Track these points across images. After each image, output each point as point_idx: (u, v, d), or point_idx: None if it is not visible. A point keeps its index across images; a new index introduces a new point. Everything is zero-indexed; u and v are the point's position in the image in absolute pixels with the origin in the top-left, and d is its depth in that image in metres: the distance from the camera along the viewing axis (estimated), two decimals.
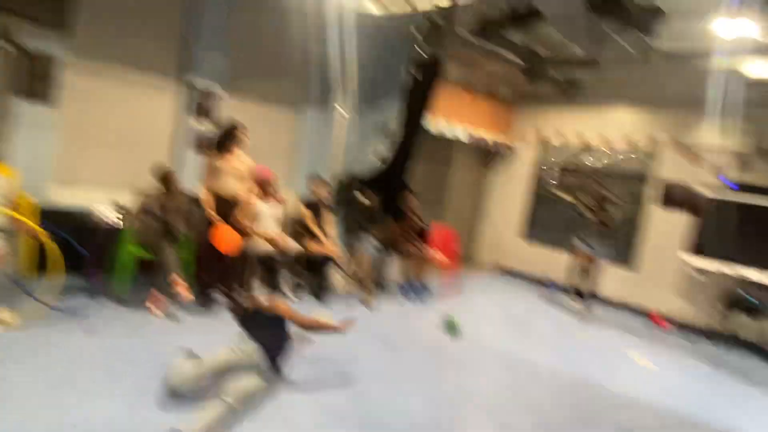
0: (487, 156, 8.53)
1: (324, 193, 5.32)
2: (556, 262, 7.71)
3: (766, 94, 5.76)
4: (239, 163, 4.38)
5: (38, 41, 4.10)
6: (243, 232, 4.41)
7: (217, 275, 4.38)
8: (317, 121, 6.19)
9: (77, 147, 4.61)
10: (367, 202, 5.61)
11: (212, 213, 4.21)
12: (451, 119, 7.14)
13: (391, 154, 6.01)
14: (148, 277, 4.67)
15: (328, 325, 3.33)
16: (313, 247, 4.99)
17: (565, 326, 5.66)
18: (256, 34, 5.49)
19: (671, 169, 6.73)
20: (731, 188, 5.97)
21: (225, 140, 4.32)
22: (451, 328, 4.63)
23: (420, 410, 3.10)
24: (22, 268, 4.00)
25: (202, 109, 5.06)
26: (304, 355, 3.53)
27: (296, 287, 5.11)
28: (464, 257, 8.45)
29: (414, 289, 5.75)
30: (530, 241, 8.13)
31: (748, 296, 5.59)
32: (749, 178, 6.02)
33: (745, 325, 5.89)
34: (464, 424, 3.04)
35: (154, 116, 4.99)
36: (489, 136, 7.81)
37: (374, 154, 6.44)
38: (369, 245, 5.32)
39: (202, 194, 4.30)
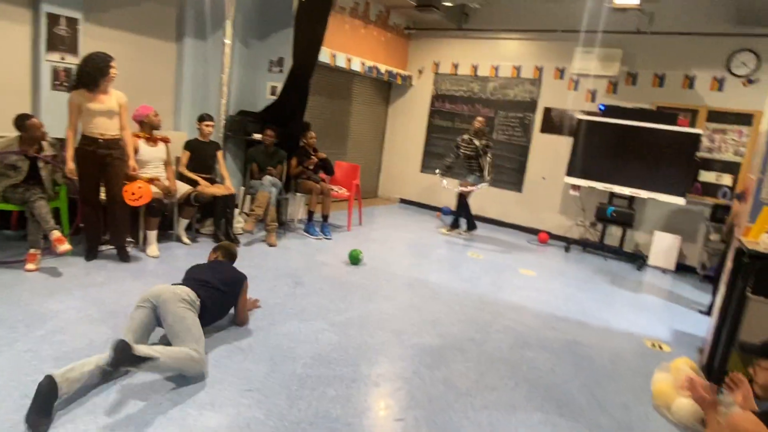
0: (386, 88, 8.50)
1: (209, 132, 5.01)
2: (450, 191, 8.11)
3: (630, 19, 6.26)
4: (109, 100, 3.87)
5: None
6: (128, 178, 4.06)
7: (103, 225, 4.06)
8: (202, 53, 5.69)
9: None
10: (263, 138, 5.39)
11: (71, 155, 3.76)
12: (347, 50, 6.95)
13: (285, 88, 5.77)
14: (19, 231, 4.23)
15: (254, 305, 3.53)
16: (206, 188, 4.75)
17: (459, 249, 6.05)
18: None
19: (553, 96, 7.20)
20: (600, 110, 6.54)
21: (90, 75, 3.76)
22: (354, 258, 4.75)
23: (329, 338, 3.20)
24: None
25: (59, 40, 4.39)
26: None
27: (191, 231, 4.90)
28: (367, 191, 8.58)
29: (318, 224, 5.75)
30: (426, 171, 8.39)
31: (611, 207, 6.33)
32: (618, 101, 6.64)
33: (611, 233, 6.72)
34: (372, 346, 3.19)
35: (6, 53, 4.26)
36: (385, 67, 7.74)
37: (267, 88, 6.14)
38: (268, 183, 5.17)
39: (67, 137, 3.80)
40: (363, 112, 8.12)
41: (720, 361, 2.99)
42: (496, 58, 7.62)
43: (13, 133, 3.79)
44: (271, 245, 5.05)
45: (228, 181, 5.07)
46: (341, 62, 6.82)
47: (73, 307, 3.15)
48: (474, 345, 3.41)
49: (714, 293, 4.37)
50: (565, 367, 3.25)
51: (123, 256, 4.08)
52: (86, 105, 3.74)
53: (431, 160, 8.32)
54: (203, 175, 4.92)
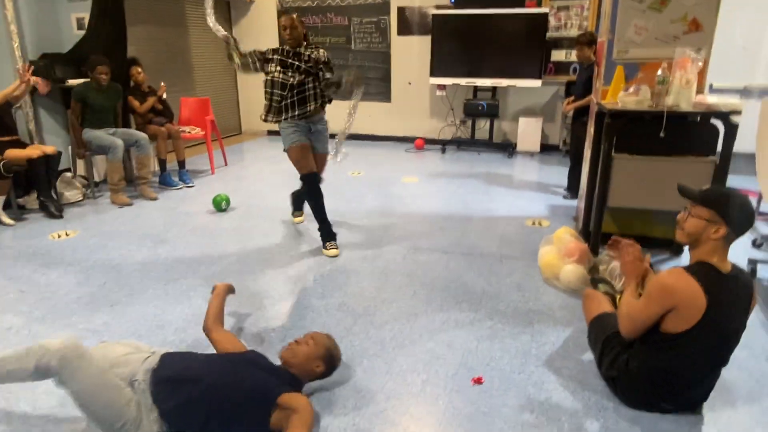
0: (226, 9, 7.52)
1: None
2: None
3: None
4: None
5: None
6: None
7: None
8: None
9: None
10: (95, 78, 4.38)
11: None
12: None
13: (93, 17, 4.76)
14: None
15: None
16: (14, 152, 3.83)
17: (337, 170, 5.76)
18: None
19: None
20: (451, 3, 6.36)
21: None
22: (217, 204, 4.24)
23: (200, 295, 2.80)
24: None
25: None
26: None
27: (11, 208, 4.03)
28: (229, 128, 7.82)
29: (174, 173, 5.07)
30: None
31: (476, 102, 6.38)
32: None
33: (480, 127, 6.83)
34: (256, 290, 2.86)
35: None
36: None
37: (72, 21, 5.05)
38: (120, 138, 4.37)
39: None
40: (206, 40, 7.16)
41: (595, 224, 3.11)
42: None
43: None
44: (119, 204, 4.38)
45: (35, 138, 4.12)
46: None
47: None
48: (367, 263, 3.22)
49: (572, 164, 4.57)
50: (457, 263, 3.21)
51: None
52: None
53: None
54: (4, 138, 3.95)
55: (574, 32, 6.20)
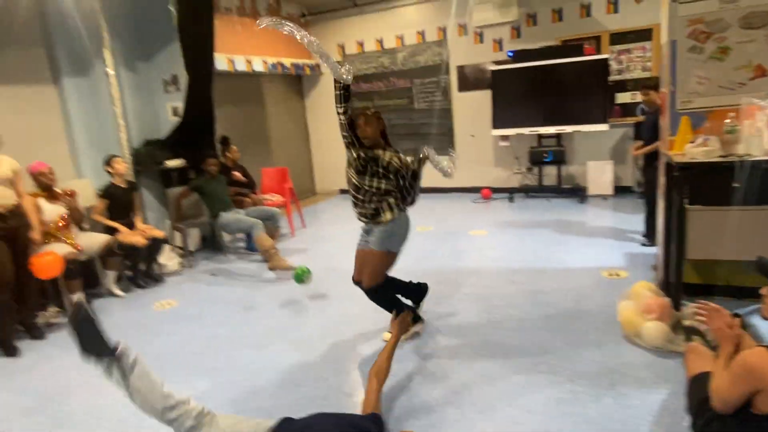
0: (297, 82, 8.19)
1: (125, 171, 4.61)
2: None
3: None
4: (0, 166, 3.42)
5: None
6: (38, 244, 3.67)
7: (16, 308, 3.59)
8: (86, 90, 5.20)
9: None
10: (206, 169, 4.99)
11: None
12: (244, 51, 6.59)
13: (187, 105, 5.40)
14: None
15: None
16: (128, 236, 4.36)
17: None
18: None
19: (462, 53, 7.14)
20: (509, 57, 6.55)
21: None
22: (299, 278, 4.13)
23: (290, 359, 3.01)
24: None
25: None
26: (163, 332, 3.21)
27: (122, 281, 4.54)
28: (304, 190, 8.32)
29: None
30: None
31: (541, 149, 6.41)
32: (524, 44, 6.65)
33: (548, 173, 6.81)
34: (340, 356, 3.03)
35: None
36: (290, 60, 7.43)
37: (168, 110, 5.74)
38: (255, 215, 4.89)
39: None
40: (279, 112, 7.81)
41: (675, 277, 3.03)
42: (399, 27, 7.47)
43: None
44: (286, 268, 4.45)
45: (140, 224, 4.65)
46: (241, 66, 6.47)
47: (2, 403, 2.81)
48: (441, 321, 3.32)
49: (648, 210, 4.44)
50: (532, 321, 3.22)
51: (35, 334, 3.66)
52: None
53: None
54: (123, 221, 4.51)
55: (638, 74, 6.16)
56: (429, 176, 7.65)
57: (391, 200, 2.97)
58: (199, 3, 5.08)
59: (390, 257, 2.99)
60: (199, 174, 5.09)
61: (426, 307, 3.58)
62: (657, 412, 2.22)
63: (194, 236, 5.54)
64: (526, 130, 6.50)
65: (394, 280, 3.17)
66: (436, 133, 7.53)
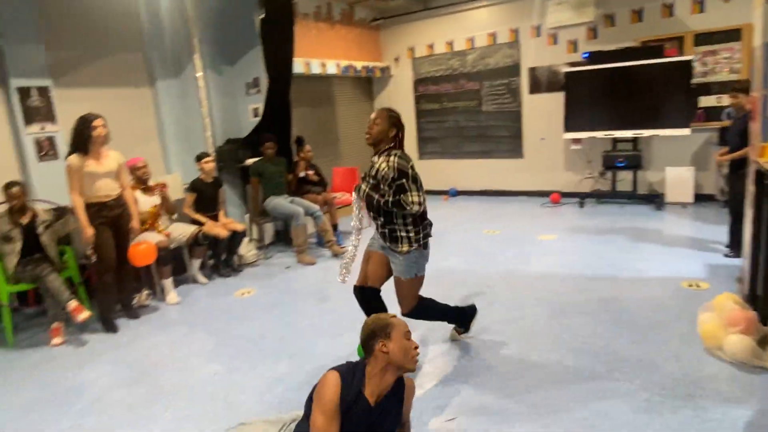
0: (367, 84, 8.39)
1: (212, 169, 4.96)
2: (451, 171, 8.05)
3: None
4: (108, 161, 3.79)
5: None
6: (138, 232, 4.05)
7: (117, 289, 3.98)
8: (177, 91, 5.63)
9: None
10: (263, 151, 5.32)
11: (85, 221, 3.69)
12: (319, 55, 6.85)
13: (267, 107, 5.70)
14: (38, 307, 4.21)
15: None
16: (213, 228, 4.68)
17: (472, 228, 5.96)
18: (75, 13, 4.75)
19: (534, 55, 7.06)
20: (584, 58, 6.39)
21: (77, 139, 3.70)
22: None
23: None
24: None
25: (35, 111, 4.35)
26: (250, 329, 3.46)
27: (205, 269, 4.87)
28: None
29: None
30: (424, 157, 8.30)
31: (616, 154, 6.21)
32: (600, 45, 6.48)
33: (622, 179, 6.58)
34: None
35: None
36: (361, 63, 7.64)
37: (249, 111, 6.09)
38: (302, 209, 5.16)
39: (73, 202, 3.72)
40: (349, 113, 8.04)
41: (764, 289, 2.89)
42: (469, 29, 7.48)
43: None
44: (305, 263, 5.08)
45: (223, 217, 4.98)
46: (316, 68, 6.73)
47: (105, 373, 3.13)
48: (510, 324, 3.34)
49: (733, 219, 4.21)
50: (606, 328, 3.18)
51: (131, 314, 4.02)
52: (85, 169, 3.68)
53: (426, 144, 8.23)
54: (209, 214, 4.86)
55: (724, 76, 5.85)
56: (495, 178, 7.64)
57: (407, 229, 2.64)
58: (281, 11, 5.37)
59: (419, 279, 2.80)
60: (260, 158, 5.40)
61: (494, 308, 3.61)
62: (741, 428, 2.15)
63: (269, 230, 5.84)
64: (600, 134, 6.33)
65: (432, 301, 2.95)
66: (504, 135, 7.48)
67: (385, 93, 8.43)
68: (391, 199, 2.58)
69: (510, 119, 7.40)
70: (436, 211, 7.14)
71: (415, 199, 2.56)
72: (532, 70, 7.09)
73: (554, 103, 6.88)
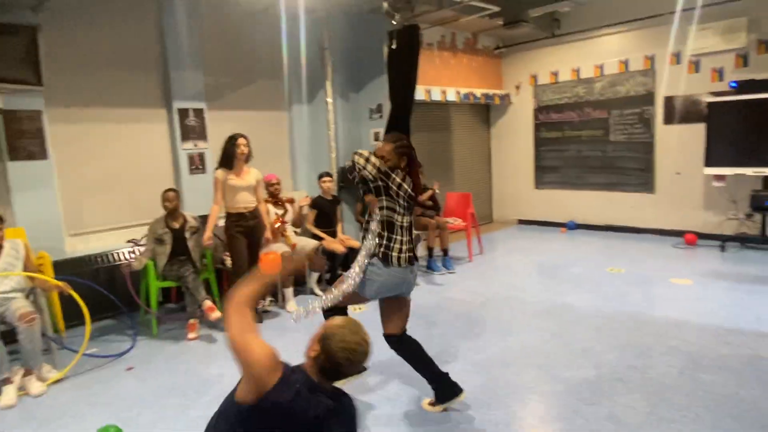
0: (485, 111, 8.38)
1: (331, 188, 5.26)
2: (571, 203, 7.66)
3: None
4: (248, 176, 4.22)
5: (17, 100, 4.02)
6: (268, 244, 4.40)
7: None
8: (309, 115, 6.09)
9: (80, 195, 4.56)
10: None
11: (211, 227, 4.11)
12: (440, 83, 7.00)
13: (387, 131, 5.91)
14: (178, 303, 4.71)
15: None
16: (332, 244, 4.93)
17: (594, 264, 5.60)
18: (229, 44, 5.39)
19: (671, 83, 6.55)
20: (732, 88, 5.79)
21: (224, 155, 4.17)
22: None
23: (474, 380, 3.08)
24: (52, 324, 4.01)
25: (190, 130, 4.97)
26: None
27: (322, 282, 5.12)
28: (482, 217, 8.40)
29: (438, 259, 5.71)
30: (541, 187, 8.01)
31: (766, 194, 5.50)
32: (751, 74, 5.84)
33: None
34: (521, 385, 3.01)
35: (150, 148, 4.90)
36: (481, 90, 7.66)
37: (371, 135, 6.37)
38: None
39: (211, 210, 4.16)
40: (465, 140, 8.06)
41: None
42: (599, 56, 7.16)
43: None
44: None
45: (341, 234, 5.22)
46: (436, 96, 6.87)
47: (231, 369, 3.39)
48: (636, 373, 3.07)
49: None
50: (752, 388, 2.79)
51: (256, 318, 4.33)
52: (229, 182, 4.12)
53: (544, 174, 7.95)
54: (327, 230, 5.14)
55: None
56: (620, 212, 7.14)
57: (374, 236, 2.62)
58: (409, 40, 5.59)
59: (392, 303, 2.68)
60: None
61: (618, 352, 3.34)
62: None
63: None
64: (749, 171, 5.65)
65: (420, 350, 2.74)
66: (633, 167, 6.99)
67: (503, 120, 8.33)
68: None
69: (641, 151, 6.91)
70: (553, 243, 6.83)
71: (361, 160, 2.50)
72: (669, 99, 6.58)
73: (692, 135, 6.30)
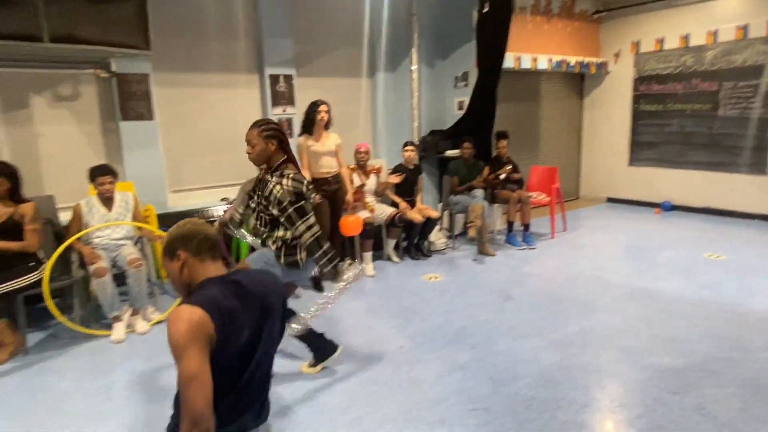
0: (578, 81, 7.90)
1: (413, 156, 5.26)
2: (668, 182, 7.12)
3: None
4: (328, 141, 4.34)
5: (128, 64, 4.36)
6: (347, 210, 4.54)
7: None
8: (392, 83, 6.08)
9: (180, 155, 4.90)
10: (461, 152, 5.47)
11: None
12: (531, 50, 6.66)
13: (472, 100, 5.78)
14: None
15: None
16: (409, 212, 4.96)
17: (690, 249, 5.20)
18: (316, 12, 5.46)
19: None
20: None
21: (305, 122, 4.31)
22: None
23: (549, 357, 3.02)
24: (156, 270, 4.41)
25: (280, 95, 5.15)
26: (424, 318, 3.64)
27: (398, 249, 5.19)
28: (567, 193, 8.04)
29: (519, 234, 5.57)
30: (636, 164, 7.49)
31: None
32: None
33: None
34: (600, 366, 2.91)
35: (243, 112, 5.13)
36: (575, 58, 7.21)
37: (455, 104, 6.25)
38: (480, 195, 5.28)
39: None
40: (554, 111, 7.67)
41: None
42: (712, 22, 6.46)
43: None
44: (488, 255, 5.12)
45: (420, 203, 5.25)
46: (526, 64, 6.55)
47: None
48: (731, 366, 2.85)
49: None
50: None
51: (336, 279, 4.49)
52: (310, 148, 4.27)
53: (641, 150, 7.41)
54: (407, 198, 5.17)
55: None
56: (725, 195, 6.56)
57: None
58: (501, 4, 5.36)
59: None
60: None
61: (711, 342, 3.12)
62: None
63: (459, 221, 5.95)
64: None
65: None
66: (744, 146, 6.33)
67: (598, 91, 7.81)
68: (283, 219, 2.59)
69: (755, 128, 6.22)
70: (645, 224, 6.42)
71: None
72: None
73: None
